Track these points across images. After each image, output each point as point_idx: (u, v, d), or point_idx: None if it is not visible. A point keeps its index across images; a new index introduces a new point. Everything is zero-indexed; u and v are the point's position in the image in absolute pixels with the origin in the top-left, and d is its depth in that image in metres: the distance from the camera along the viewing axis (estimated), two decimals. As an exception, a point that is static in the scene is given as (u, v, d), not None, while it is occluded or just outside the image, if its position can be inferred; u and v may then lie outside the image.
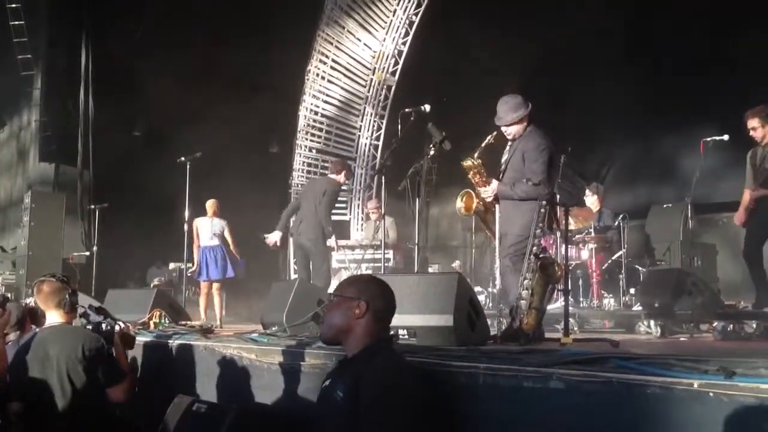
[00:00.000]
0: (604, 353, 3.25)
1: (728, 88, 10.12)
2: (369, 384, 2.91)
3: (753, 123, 7.02)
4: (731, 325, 6.14)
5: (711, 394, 2.50)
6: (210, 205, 9.77)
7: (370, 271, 10.09)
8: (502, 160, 5.69)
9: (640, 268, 8.88)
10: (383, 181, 7.08)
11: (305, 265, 8.62)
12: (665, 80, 11.31)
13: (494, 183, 5.61)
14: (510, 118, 5.54)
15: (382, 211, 8.66)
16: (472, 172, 5.70)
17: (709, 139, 7.62)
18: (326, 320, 3.26)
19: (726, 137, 7.55)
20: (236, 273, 9.86)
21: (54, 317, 4.43)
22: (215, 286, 9.63)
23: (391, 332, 3.48)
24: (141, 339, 6.04)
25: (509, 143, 5.68)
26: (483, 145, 5.66)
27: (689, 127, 8.55)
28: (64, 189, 12.64)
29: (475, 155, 5.66)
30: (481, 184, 5.68)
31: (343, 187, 8.80)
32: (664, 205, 9.88)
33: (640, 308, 7.75)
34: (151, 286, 11.68)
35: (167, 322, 6.64)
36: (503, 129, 5.61)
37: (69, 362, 4.17)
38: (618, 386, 2.75)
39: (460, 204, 5.79)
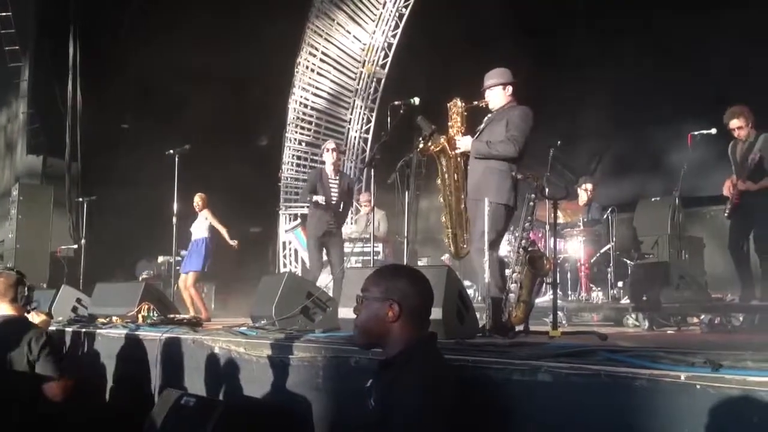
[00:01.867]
0: (592, 346, 3.27)
1: (716, 82, 10.16)
2: (397, 394, 2.72)
3: (739, 122, 7.12)
4: (718, 318, 6.19)
5: (698, 387, 2.52)
6: (198, 199, 9.75)
7: (359, 265, 10.08)
8: (478, 128, 5.67)
9: (628, 262, 8.92)
10: (373, 174, 7.06)
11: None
12: (654, 74, 11.33)
13: (468, 138, 5.56)
14: (492, 82, 5.61)
15: (372, 204, 8.64)
16: (454, 112, 5.67)
17: (696, 132, 7.65)
18: (357, 324, 2.96)
19: (714, 131, 7.59)
20: (205, 268, 9.75)
21: (4, 309, 4.52)
22: (190, 278, 9.57)
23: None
24: (126, 332, 6.05)
25: (487, 116, 5.68)
26: (474, 102, 5.67)
27: (677, 121, 8.57)
28: (52, 181, 12.60)
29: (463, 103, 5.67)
30: (459, 129, 5.64)
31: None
32: (652, 199, 9.92)
33: (628, 301, 7.80)
34: (140, 279, 11.64)
35: (155, 315, 6.62)
36: (486, 95, 5.64)
37: (14, 354, 4.23)
38: (606, 379, 2.77)
39: (422, 146, 5.60)
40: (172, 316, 6.85)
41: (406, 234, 6.18)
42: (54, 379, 4.42)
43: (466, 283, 7.69)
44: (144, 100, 12.21)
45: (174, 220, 9.17)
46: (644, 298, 7.01)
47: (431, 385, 2.71)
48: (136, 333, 5.96)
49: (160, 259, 12.42)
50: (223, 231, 9.69)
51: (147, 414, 4.81)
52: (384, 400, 2.79)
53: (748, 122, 7.12)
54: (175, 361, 5.43)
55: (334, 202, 8.46)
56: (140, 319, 6.53)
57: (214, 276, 11.48)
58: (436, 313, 4.19)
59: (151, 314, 6.62)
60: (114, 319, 6.71)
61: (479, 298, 7.22)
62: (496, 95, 5.61)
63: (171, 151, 9.01)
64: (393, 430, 2.67)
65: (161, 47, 11.35)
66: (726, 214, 7.33)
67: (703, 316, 6.37)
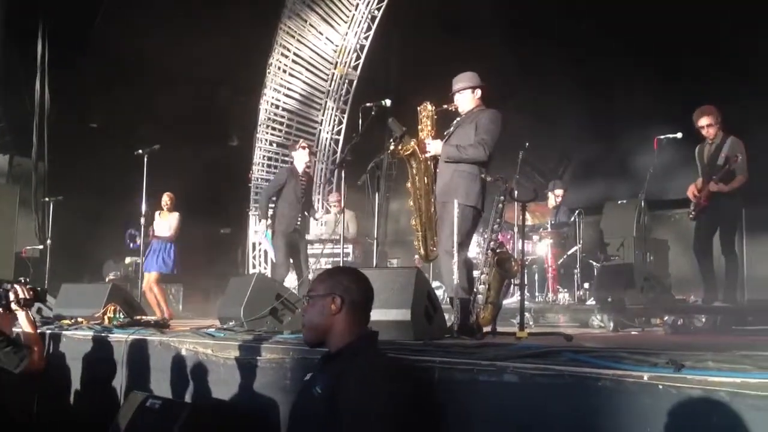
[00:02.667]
0: (558, 347, 3.31)
1: (682, 86, 10.32)
2: (349, 384, 2.83)
3: (708, 120, 7.21)
4: (681, 320, 6.29)
5: (660, 387, 2.56)
6: (167, 198, 9.70)
7: (329, 266, 10.08)
8: (447, 132, 5.70)
9: (594, 263, 9.02)
10: (343, 175, 7.07)
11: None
12: (621, 79, 11.47)
13: (438, 142, 5.59)
14: (460, 86, 5.66)
15: (343, 205, 8.70)
16: (424, 115, 5.68)
17: (662, 136, 7.75)
18: (305, 322, 3.16)
19: (679, 135, 7.68)
20: (174, 270, 9.72)
21: None
22: (153, 278, 9.52)
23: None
24: (92, 334, 5.99)
25: (456, 120, 5.72)
26: (444, 106, 5.69)
27: (644, 125, 8.68)
28: (18, 181, 12.39)
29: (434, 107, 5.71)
30: (429, 133, 5.67)
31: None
32: (619, 202, 10.05)
33: (594, 303, 7.89)
34: (107, 280, 11.52)
35: (122, 317, 6.55)
36: (455, 99, 5.68)
37: None
38: (570, 379, 2.81)
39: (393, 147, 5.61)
40: (138, 317, 6.78)
41: (375, 235, 6.20)
42: (26, 356, 4.37)
43: (436, 284, 7.74)
44: (113, 99, 12.07)
45: (142, 220, 9.09)
46: (609, 300, 7.11)
47: (381, 377, 2.88)
48: (103, 334, 5.90)
49: (128, 260, 12.29)
50: (174, 230, 9.67)
51: (112, 417, 4.77)
52: (332, 390, 2.88)
53: (717, 122, 7.22)
54: (142, 363, 5.37)
55: (303, 201, 8.60)
56: (106, 321, 6.45)
57: (183, 277, 11.40)
58: (404, 314, 4.23)
59: (118, 316, 6.54)
60: (80, 320, 6.63)
61: (447, 299, 7.26)
62: (465, 99, 5.66)
63: (140, 151, 8.92)
64: (343, 421, 2.76)
65: (131, 46, 11.25)
66: (691, 216, 7.44)
67: (666, 318, 6.46)
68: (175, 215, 9.83)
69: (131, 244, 9.99)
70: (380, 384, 2.84)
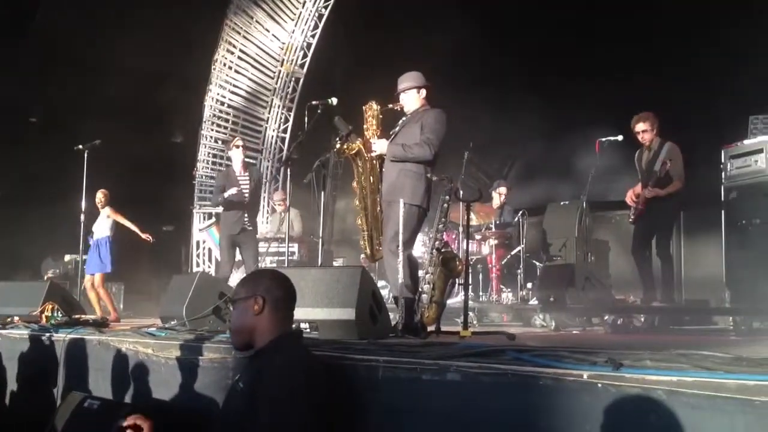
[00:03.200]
0: (500, 346, 3.33)
1: (624, 90, 10.53)
2: (270, 378, 2.91)
3: (644, 126, 7.38)
4: (621, 319, 6.42)
5: (599, 385, 2.59)
6: (101, 195, 9.40)
7: (274, 265, 10.02)
8: (393, 131, 5.72)
9: (537, 263, 9.15)
10: (289, 173, 7.04)
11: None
12: (564, 82, 11.64)
13: (384, 141, 5.62)
14: (405, 85, 5.68)
15: (288, 204, 8.61)
16: (369, 115, 5.70)
17: (604, 139, 7.90)
18: (231, 327, 3.25)
19: (620, 138, 7.85)
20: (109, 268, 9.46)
21: None
22: (98, 279, 9.29)
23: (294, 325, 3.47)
24: (29, 333, 5.84)
25: (401, 119, 5.74)
26: (390, 105, 5.72)
27: (586, 128, 8.83)
28: (-44, 175, 12.03)
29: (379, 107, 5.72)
30: (374, 132, 5.69)
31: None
32: (561, 203, 10.20)
33: (537, 302, 7.99)
34: (45, 278, 11.25)
35: (60, 316, 6.40)
36: (401, 98, 5.70)
37: None
38: (512, 378, 2.83)
39: (338, 146, 5.63)
40: (77, 316, 6.63)
41: (321, 234, 6.18)
42: None
43: (381, 283, 7.75)
44: (53, 93, 11.79)
45: (82, 217, 8.89)
46: (551, 299, 7.21)
47: (300, 371, 2.95)
48: (39, 334, 5.75)
49: (67, 257, 12.03)
50: (132, 226, 9.38)
51: (50, 418, 4.66)
52: (253, 385, 2.97)
53: (653, 128, 7.39)
54: (80, 363, 5.25)
55: (247, 200, 8.45)
56: (44, 320, 6.30)
57: (124, 276, 11.20)
58: (349, 314, 4.23)
59: (56, 314, 6.40)
60: (16, 319, 6.45)
61: (392, 298, 7.28)
62: (411, 98, 5.68)
63: (80, 147, 8.73)
64: (261, 412, 2.84)
65: (73, 40, 11.01)
66: (630, 220, 7.59)
67: (607, 317, 6.60)
68: (107, 210, 9.46)
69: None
70: (298, 377, 2.91)
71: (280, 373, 2.92)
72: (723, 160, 6.55)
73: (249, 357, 3.23)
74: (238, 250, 8.46)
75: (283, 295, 3.19)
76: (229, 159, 9.49)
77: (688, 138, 7.72)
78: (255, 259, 8.54)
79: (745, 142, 6.62)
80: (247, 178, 8.61)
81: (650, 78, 10.54)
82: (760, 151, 6.22)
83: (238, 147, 8.74)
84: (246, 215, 8.43)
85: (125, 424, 3.35)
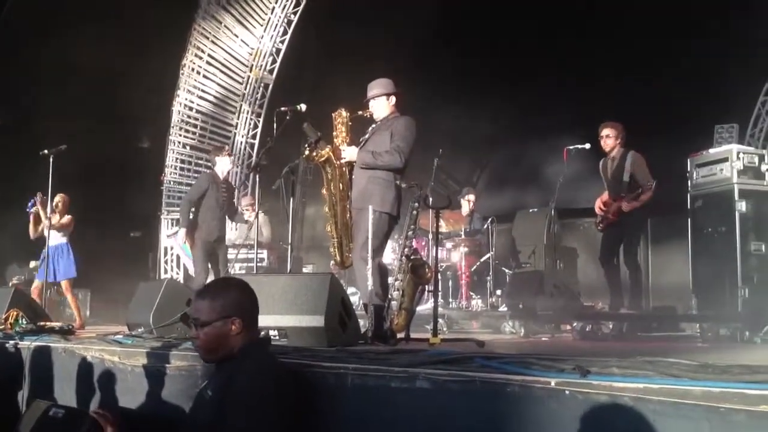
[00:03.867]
0: (469, 353, 3.33)
1: (591, 99, 10.65)
2: (237, 385, 2.90)
3: (608, 132, 7.49)
4: (589, 326, 6.46)
5: (567, 392, 2.59)
6: (59, 199, 9.22)
7: (243, 272, 9.94)
8: (363, 138, 5.73)
9: (506, 270, 9.19)
10: (258, 179, 7.00)
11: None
12: (532, 90, 11.74)
13: (353, 148, 5.62)
14: (375, 92, 5.69)
15: (256, 209, 8.57)
16: (339, 122, 5.70)
17: (572, 147, 7.97)
18: (202, 346, 3.10)
19: (588, 146, 7.94)
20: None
21: None
22: (64, 286, 9.16)
23: (262, 333, 3.45)
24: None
25: (371, 126, 5.74)
26: (359, 112, 5.73)
27: (554, 135, 8.91)
28: None
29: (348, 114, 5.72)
30: (344, 139, 5.69)
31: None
32: (530, 210, 10.27)
33: (506, 309, 8.03)
34: (10, 285, 11.05)
35: (25, 323, 6.30)
36: (370, 105, 5.71)
37: None
38: (480, 385, 2.82)
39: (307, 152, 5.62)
40: (42, 323, 6.53)
41: (290, 240, 6.15)
42: None
43: (351, 290, 7.73)
44: (19, 97, 11.60)
45: (48, 222, 8.76)
46: (520, 306, 7.25)
47: (268, 375, 2.96)
48: (4, 341, 5.66)
49: (32, 264, 11.83)
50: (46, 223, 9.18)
51: (14, 427, 4.57)
52: (221, 392, 2.94)
53: (618, 137, 7.48)
54: (45, 371, 5.18)
55: (224, 209, 8.51)
56: (8, 327, 6.20)
57: (91, 282, 11.04)
58: (318, 321, 4.20)
59: (20, 321, 6.30)
60: (-23, 326, 6.34)
61: (362, 305, 7.27)
62: (380, 105, 5.68)
63: (45, 151, 8.59)
64: (230, 419, 2.83)
65: (39, 42, 10.86)
66: (599, 228, 7.66)
67: (575, 324, 6.64)
68: (67, 217, 9.34)
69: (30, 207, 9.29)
70: (268, 385, 2.90)
71: (251, 380, 2.90)
72: (689, 169, 6.63)
73: (217, 365, 3.19)
74: (212, 258, 8.48)
75: (252, 307, 3.16)
76: (209, 163, 9.48)
77: (655, 147, 7.82)
78: (225, 266, 8.58)
79: (711, 150, 6.72)
80: (226, 187, 8.74)
81: (617, 87, 10.68)
82: (725, 159, 6.31)
83: (230, 156, 8.85)
84: (221, 223, 8.46)
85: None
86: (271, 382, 2.94)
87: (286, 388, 3.01)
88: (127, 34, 11.84)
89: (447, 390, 2.92)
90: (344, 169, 5.68)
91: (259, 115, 14.70)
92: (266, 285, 4.32)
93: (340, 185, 5.69)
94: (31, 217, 9.20)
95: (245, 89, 14.62)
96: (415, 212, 5.27)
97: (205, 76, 14.19)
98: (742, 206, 6.12)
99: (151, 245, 14.47)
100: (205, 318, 3.05)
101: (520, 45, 12.09)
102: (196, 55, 13.97)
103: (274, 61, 14.49)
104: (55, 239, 9.14)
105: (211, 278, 8.68)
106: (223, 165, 8.78)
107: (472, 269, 9.35)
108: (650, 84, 10.58)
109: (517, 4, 12.17)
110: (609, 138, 7.47)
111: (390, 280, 5.43)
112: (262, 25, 14.26)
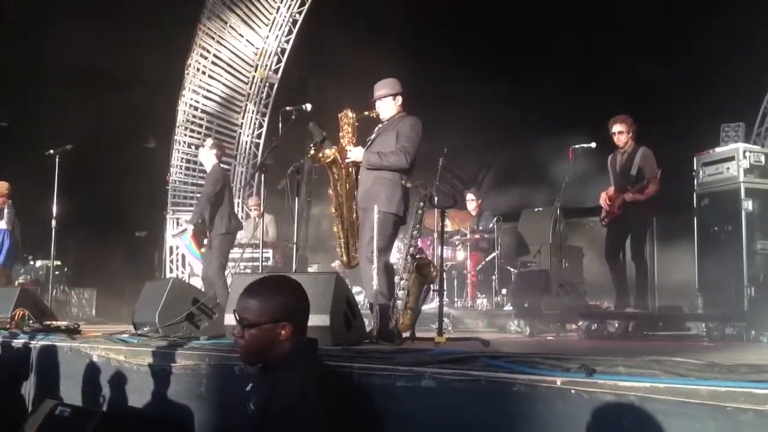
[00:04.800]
0: (475, 352, 3.32)
1: (597, 98, 10.63)
2: (283, 394, 2.75)
3: (620, 128, 7.43)
4: (595, 325, 6.44)
5: (573, 391, 2.59)
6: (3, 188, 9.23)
7: (248, 270, 9.94)
8: (369, 138, 5.73)
9: (511, 269, 9.17)
10: (263, 179, 7.00)
11: None
12: (538, 90, 11.72)
13: (360, 149, 5.61)
14: (381, 93, 5.68)
15: (262, 209, 8.55)
16: (345, 122, 5.70)
17: (577, 146, 7.96)
18: (245, 347, 2.87)
19: (593, 145, 7.92)
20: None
21: None
22: None
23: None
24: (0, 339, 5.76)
25: (377, 127, 5.74)
26: (365, 112, 5.72)
27: (560, 135, 8.90)
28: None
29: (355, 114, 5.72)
30: (350, 140, 5.69)
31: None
32: (536, 209, 10.25)
33: (511, 308, 8.01)
34: (16, 284, 11.09)
35: (31, 322, 6.32)
36: (376, 106, 5.71)
37: None
38: (486, 384, 2.82)
39: (313, 152, 5.60)
40: (48, 322, 6.55)
41: (295, 240, 6.15)
42: None
43: (357, 289, 7.72)
44: (25, 97, 11.63)
45: (53, 223, 8.77)
46: (526, 305, 7.24)
47: (315, 385, 2.78)
48: (10, 340, 5.68)
49: (38, 263, 11.88)
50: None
51: (20, 425, 4.59)
52: (266, 401, 2.81)
53: (629, 131, 7.44)
54: (52, 370, 5.20)
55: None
56: (15, 326, 6.22)
57: (97, 280, 11.06)
58: (323, 320, 4.20)
59: (27, 321, 6.32)
60: (-15, 325, 6.37)
61: (367, 304, 7.27)
62: (386, 105, 5.68)
63: (51, 151, 8.61)
64: (275, 428, 2.71)
65: (44, 43, 10.87)
66: (603, 223, 7.63)
67: (581, 323, 6.62)
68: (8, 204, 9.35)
69: None
70: (316, 394, 2.74)
71: (298, 394, 2.72)
72: (695, 168, 6.61)
73: (260, 370, 2.97)
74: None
75: (304, 314, 2.97)
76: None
77: (662, 146, 7.79)
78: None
79: (717, 149, 6.69)
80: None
81: (623, 86, 10.65)
82: (732, 158, 6.28)
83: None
84: None
85: None
86: (320, 391, 2.78)
87: (332, 397, 2.83)
88: (133, 34, 11.86)
89: (452, 389, 2.92)
90: (350, 169, 5.68)
91: (264, 115, 14.72)
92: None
93: (347, 185, 5.69)
94: None
95: (250, 89, 14.63)
96: (420, 211, 5.27)
97: (210, 76, 14.21)
98: (748, 205, 6.09)
99: (156, 244, 14.51)
100: (254, 319, 2.83)
101: (525, 44, 12.07)
102: (201, 55, 13.99)
103: (279, 61, 14.50)
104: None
105: (210, 271, 8.63)
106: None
107: (478, 268, 9.35)
108: (656, 83, 10.56)
109: (523, 3, 12.16)
110: (622, 134, 7.43)
111: (395, 279, 5.43)
112: (267, 25, 14.27)
